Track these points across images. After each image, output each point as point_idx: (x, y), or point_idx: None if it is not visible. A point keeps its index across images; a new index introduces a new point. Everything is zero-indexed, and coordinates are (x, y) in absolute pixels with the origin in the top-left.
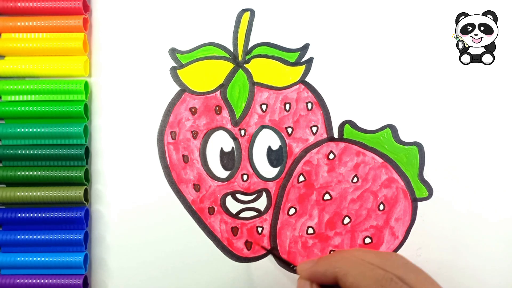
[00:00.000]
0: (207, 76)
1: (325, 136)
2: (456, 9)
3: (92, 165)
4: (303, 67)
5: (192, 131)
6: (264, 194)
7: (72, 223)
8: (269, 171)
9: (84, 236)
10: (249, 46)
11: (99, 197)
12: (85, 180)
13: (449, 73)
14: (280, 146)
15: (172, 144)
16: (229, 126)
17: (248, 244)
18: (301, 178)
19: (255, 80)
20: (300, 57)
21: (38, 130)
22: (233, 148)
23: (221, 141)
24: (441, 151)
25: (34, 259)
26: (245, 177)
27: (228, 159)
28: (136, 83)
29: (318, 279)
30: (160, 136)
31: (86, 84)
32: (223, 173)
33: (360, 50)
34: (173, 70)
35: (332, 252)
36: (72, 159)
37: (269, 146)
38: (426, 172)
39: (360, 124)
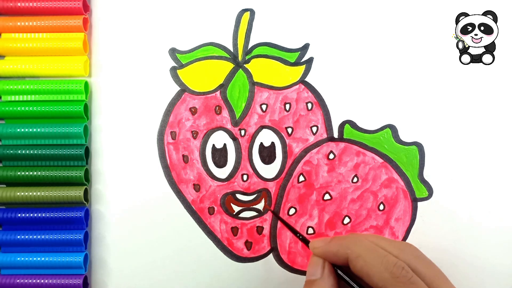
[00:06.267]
0: (207, 76)
1: (325, 136)
2: (456, 9)
3: (92, 165)
4: (303, 67)
5: (192, 131)
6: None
7: (72, 223)
8: (269, 171)
9: (84, 236)
10: (249, 46)
11: (99, 197)
12: (85, 180)
13: (449, 73)
14: (272, 142)
15: (172, 144)
16: (229, 126)
17: (248, 244)
18: (301, 178)
19: (255, 80)
20: (300, 57)
21: (38, 130)
22: (225, 144)
23: (220, 141)
24: (441, 151)
25: (34, 259)
26: (245, 177)
27: (220, 156)
28: (136, 83)
29: (329, 258)
30: (160, 136)
31: (86, 84)
32: (223, 173)
33: (360, 50)
34: (173, 70)
35: (347, 233)
36: (72, 159)
37: (261, 143)
38: (426, 172)
39: (360, 124)
